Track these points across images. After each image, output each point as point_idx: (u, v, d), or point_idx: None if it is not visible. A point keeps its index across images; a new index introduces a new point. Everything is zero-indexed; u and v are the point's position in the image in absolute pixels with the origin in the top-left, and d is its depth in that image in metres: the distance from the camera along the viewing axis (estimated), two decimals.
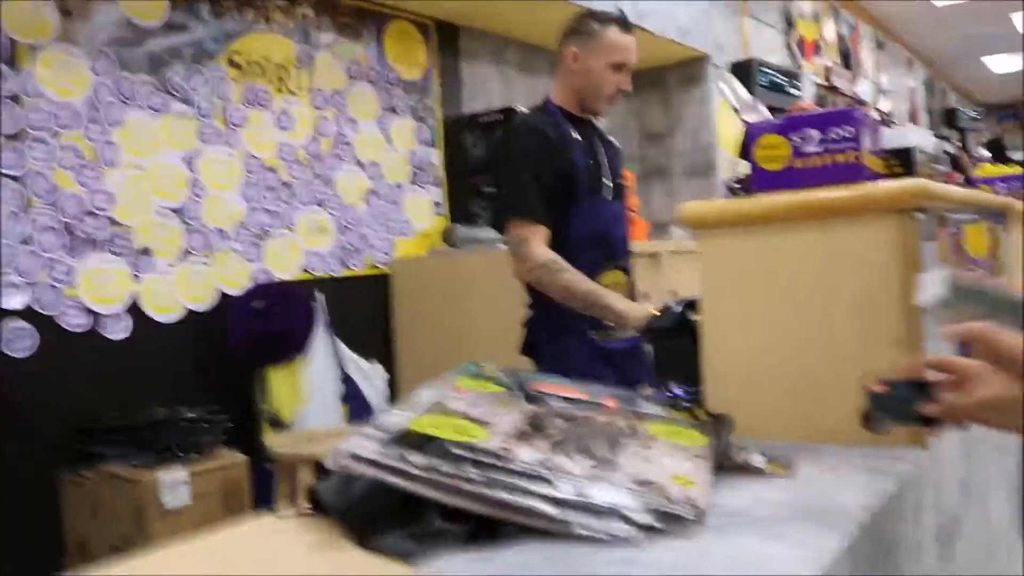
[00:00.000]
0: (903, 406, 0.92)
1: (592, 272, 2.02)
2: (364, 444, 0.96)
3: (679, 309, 1.49)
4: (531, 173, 2.02)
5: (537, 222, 2.01)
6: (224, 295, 3.33)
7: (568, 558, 0.83)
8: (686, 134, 5.47)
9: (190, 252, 3.24)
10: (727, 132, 5.30)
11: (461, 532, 0.89)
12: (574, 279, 1.95)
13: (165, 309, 3.15)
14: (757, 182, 1.22)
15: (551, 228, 2.03)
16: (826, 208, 1.16)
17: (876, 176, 1.19)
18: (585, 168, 2.10)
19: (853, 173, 1.16)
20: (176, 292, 3.19)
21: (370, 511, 0.97)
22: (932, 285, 0.88)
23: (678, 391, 1.46)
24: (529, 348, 2.17)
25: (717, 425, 1.16)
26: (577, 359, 2.02)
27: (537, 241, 2.00)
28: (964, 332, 0.81)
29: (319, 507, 1.03)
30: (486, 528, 0.89)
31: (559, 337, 2.08)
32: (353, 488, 1.01)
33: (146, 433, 2.70)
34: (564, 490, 0.90)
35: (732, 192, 1.30)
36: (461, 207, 4.21)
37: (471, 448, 0.94)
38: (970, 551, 1.53)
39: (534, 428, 1.04)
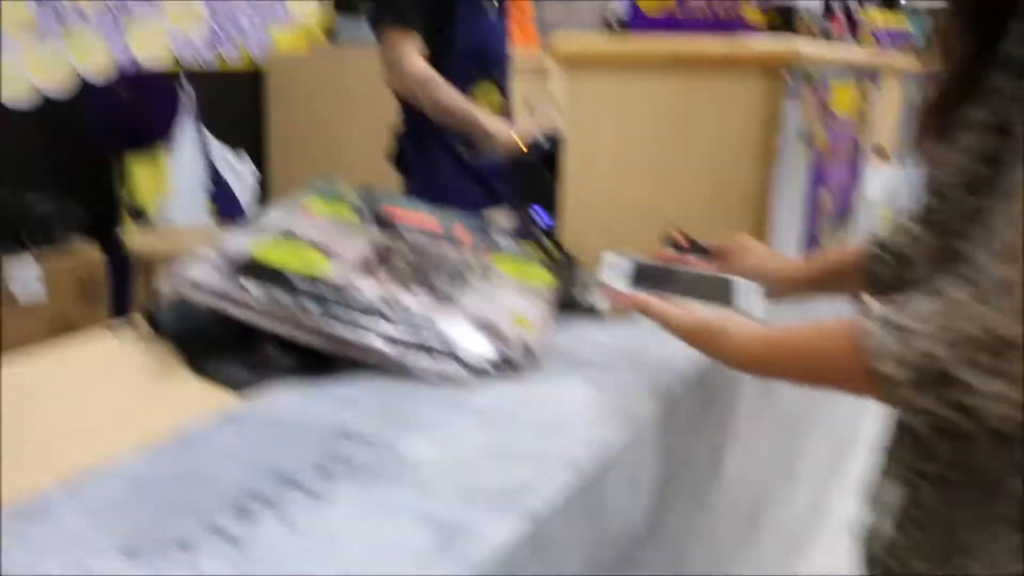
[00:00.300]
0: None
1: (465, 86, 1.96)
2: (204, 270, 0.93)
3: (546, 145, 1.48)
4: None
5: (412, 30, 1.93)
6: (80, 77, 3.08)
7: (396, 396, 0.84)
8: None
9: (41, 29, 2.96)
10: None
11: (295, 363, 0.90)
12: (448, 95, 1.90)
13: (14, 88, 2.91)
14: (633, 22, 1.19)
15: (427, 37, 1.95)
16: (697, 59, 1.14)
17: (754, 29, 1.17)
18: None
19: (732, 25, 1.14)
20: (27, 74, 2.93)
21: (207, 335, 0.96)
22: (617, 266, 0.96)
23: (536, 211, 1.47)
24: (398, 160, 2.14)
25: (565, 265, 1.18)
26: (445, 175, 2.01)
27: (411, 51, 1.92)
28: (629, 302, 0.88)
29: (156, 325, 1.01)
30: (321, 360, 0.90)
31: (427, 152, 2.05)
32: (191, 311, 0.99)
33: None
34: (401, 328, 0.90)
35: (608, 27, 1.26)
36: None
37: (312, 280, 0.93)
38: (791, 402, 1.65)
39: (380, 259, 1.03)
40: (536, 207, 1.46)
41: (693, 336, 0.83)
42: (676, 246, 1.08)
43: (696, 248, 1.07)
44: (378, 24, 1.97)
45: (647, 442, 0.88)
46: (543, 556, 0.67)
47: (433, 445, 0.75)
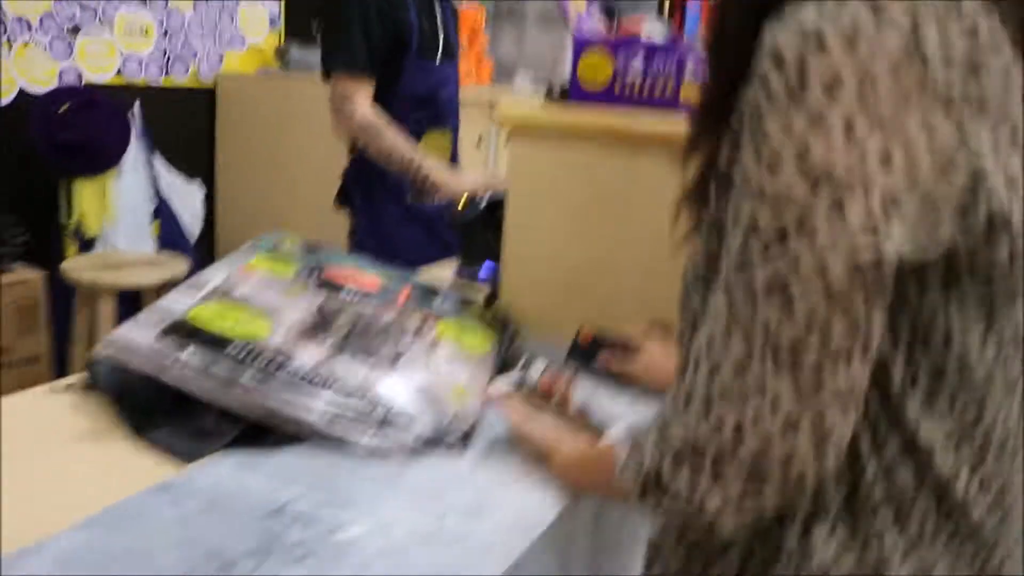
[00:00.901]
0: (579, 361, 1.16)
1: (416, 133, 2.00)
2: (139, 333, 0.94)
3: (482, 205, 1.52)
4: (361, 25, 1.93)
5: (362, 77, 1.95)
6: (24, 93, 3.05)
7: (332, 471, 0.86)
8: None
9: None
10: None
11: (233, 431, 0.91)
12: (395, 144, 1.93)
13: None
14: (575, 94, 1.22)
15: (378, 84, 1.97)
16: (635, 135, 1.18)
17: (690, 108, 1.21)
18: (418, 27, 2.02)
19: (669, 104, 1.18)
20: None
21: (147, 398, 0.97)
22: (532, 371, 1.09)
23: (487, 267, 1.50)
24: (344, 199, 2.15)
25: (504, 330, 1.21)
26: (391, 220, 2.03)
27: (360, 98, 1.94)
28: (493, 398, 1.01)
29: (97, 381, 1.01)
30: (260, 429, 0.91)
31: (374, 195, 2.07)
32: (132, 374, 1.00)
33: None
34: (337, 400, 0.92)
35: (550, 94, 1.30)
36: (299, 24, 3.97)
37: (249, 349, 0.94)
38: None
39: (322, 323, 1.05)
40: (488, 262, 1.50)
41: (528, 447, 0.92)
42: (578, 343, 1.18)
43: (602, 344, 1.16)
44: (329, 68, 1.99)
45: (577, 523, 0.90)
46: None
47: (367, 526, 0.76)
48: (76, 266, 2.47)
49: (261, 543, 0.73)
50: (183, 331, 0.94)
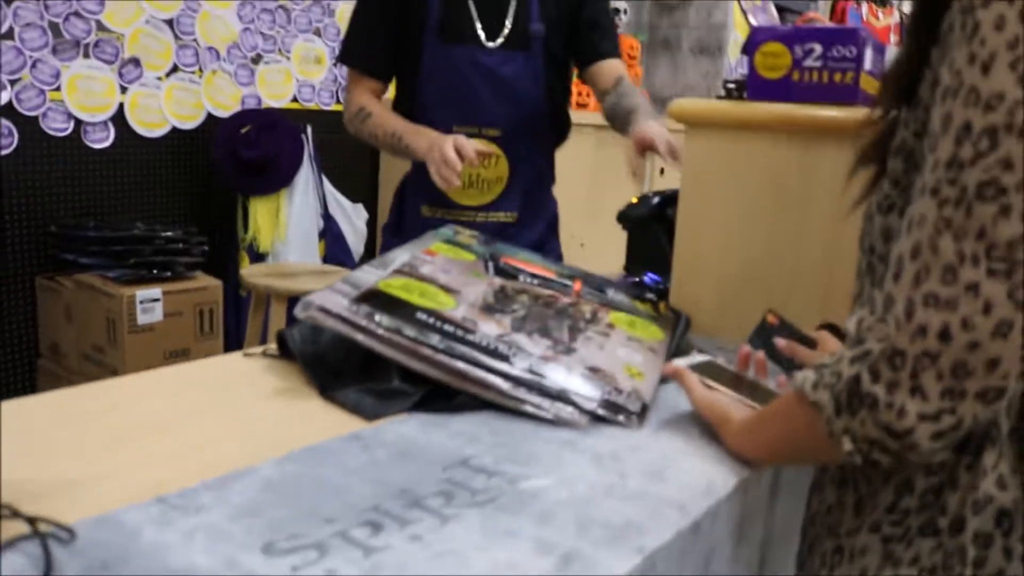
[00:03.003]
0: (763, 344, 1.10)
1: (444, 130, 1.68)
2: (334, 298, 0.99)
3: (655, 200, 1.50)
4: (366, 13, 1.75)
5: (360, 72, 1.77)
6: (211, 116, 3.28)
7: (512, 432, 0.87)
8: (699, 9, 5.31)
9: (180, 68, 3.17)
10: (742, 16, 5.16)
11: (417, 394, 0.94)
12: (379, 122, 1.71)
13: (150, 124, 3.12)
14: (752, 88, 1.22)
15: (390, 79, 1.80)
16: (812, 124, 1.16)
17: (871, 99, 1.19)
18: (439, 7, 1.70)
19: (848, 94, 1.16)
20: (163, 107, 3.14)
21: (334, 362, 1.02)
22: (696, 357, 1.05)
23: (649, 277, 1.50)
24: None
25: (676, 322, 1.21)
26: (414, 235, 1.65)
27: (358, 90, 1.77)
28: (672, 371, 0.98)
29: (286, 350, 1.07)
30: (440, 394, 0.94)
31: (401, 212, 1.90)
32: (321, 338, 1.05)
33: (123, 247, 2.72)
34: (519, 367, 0.94)
35: (727, 92, 1.30)
36: None
37: (436, 316, 0.98)
38: None
39: (499, 302, 1.08)
40: (650, 274, 1.50)
41: (707, 415, 0.91)
42: (766, 325, 1.13)
43: (786, 329, 1.12)
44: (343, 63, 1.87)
45: (753, 498, 0.89)
46: None
47: (550, 479, 0.77)
48: (252, 273, 2.63)
49: (447, 487, 0.75)
50: (374, 298, 0.99)
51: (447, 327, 0.96)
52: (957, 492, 0.68)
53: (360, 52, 1.77)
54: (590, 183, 3.36)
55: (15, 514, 0.64)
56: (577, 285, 1.22)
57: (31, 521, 0.63)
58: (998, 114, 0.59)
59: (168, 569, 0.60)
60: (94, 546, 0.62)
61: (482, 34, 1.72)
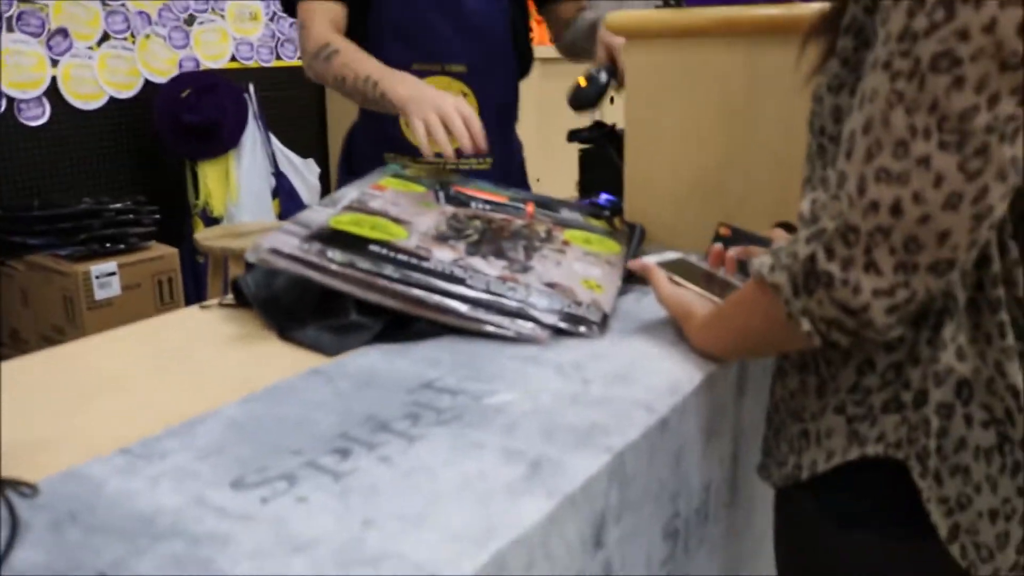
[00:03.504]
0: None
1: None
2: (284, 239, 0.97)
3: (603, 78, 1.43)
4: None
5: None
6: (149, 83, 3.20)
7: (474, 353, 0.87)
8: None
9: (110, 35, 3.08)
10: None
11: (376, 326, 0.93)
12: (348, 62, 1.43)
13: (86, 96, 3.03)
14: None
15: (349, 7, 1.54)
16: (753, 25, 1.15)
17: None
18: None
19: None
20: (97, 77, 3.06)
21: (290, 303, 1.01)
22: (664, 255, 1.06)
23: (603, 197, 1.49)
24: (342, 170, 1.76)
25: (630, 234, 1.21)
26: None
27: (316, 23, 1.49)
28: (639, 267, 0.99)
29: (242, 299, 1.06)
30: (399, 324, 0.93)
31: (351, 165, 1.69)
32: (274, 281, 1.04)
33: (72, 224, 2.67)
34: (477, 289, 0.94)
35: (664, 3, 1.28)
36: None
37: (389, 246, 0.97)
38: None
39: (452, 229, 1.07)
40: (604, 194, 1.49)
41: (672, 310, 0.93)
42: (720, 237, 1.14)
43: (741, 238, 1.12)
44: None
45: (720, 393, 0.90)
46: (624, 492, 0.70)
47: (514, 393, 0.78)
48: (206, 236, 2.59)
49: (413, 410, 0.75)
50: (325, 235, 0.97)
51: (400, 256, 0.96)
52: (919, 366, 0.69)
53: None
54: (539, 118, 3.34)
55: None
56: (530, 207, 1.21)
57: None
58: None
59: (135, 513, 0.59)
60: (61, 499, 0.61)
61: None
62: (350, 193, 1.12)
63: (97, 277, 2.59)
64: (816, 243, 0.65)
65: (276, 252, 0.94)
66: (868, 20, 0.70)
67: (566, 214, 1.23)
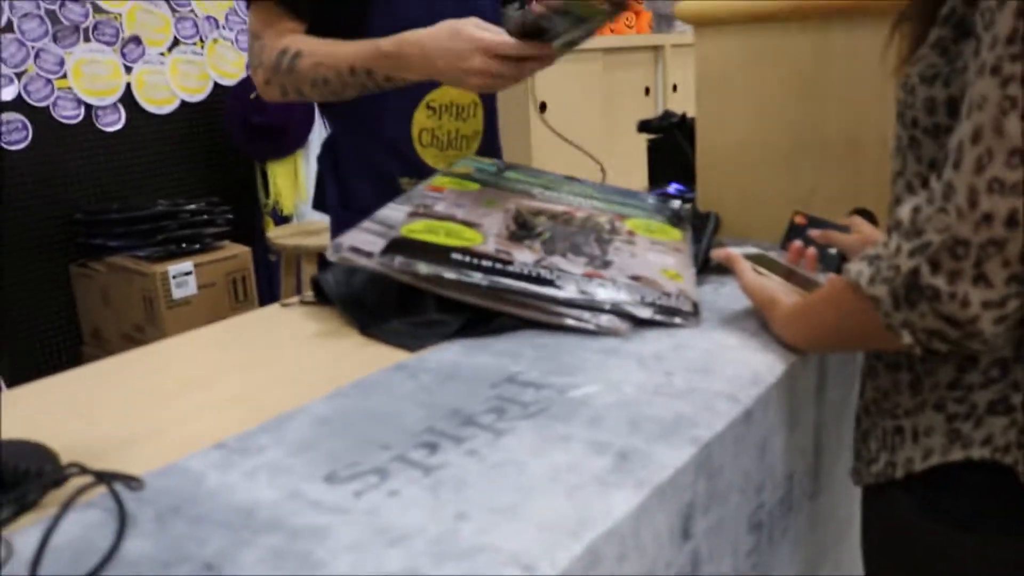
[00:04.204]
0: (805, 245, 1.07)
1: (402, 107, 1.33)
2: (364, 237, 0.99)
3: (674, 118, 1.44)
4: None
5: (278, 8, 1.26)
6: (218, 86, 3.28)
7: (555, 347, 0.88)
8: None
9: (180, 41, 3.16)
10: None
11: (456, 322, 0.94)
12: (322, 59, 1.20)
13: (159, 101, 3.12)
14: None
15: (308, 22, 1.28)
16: (822, 10, 1.14)
17: None
18: None
19: None
20: (169, 82, 3.14)
21: (371, 300, 1.02)
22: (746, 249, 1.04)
23: (674, 187, 1.48)
24: (319, 197, 1.52)
25: (704, 223, 1.20)
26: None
27: (271, 35, 1.26)
28: (723, 256, 0.99)
29: (322, 296, 1.08)
30: (479, 320, 0.94)
31: (348, 190, 1.45)
32: (354, 279, 1.06)
33: (149, 226, 2.75)
34: (569, 290, 0.93)
35: None
36: None
37: (470, 253, 0.96)
38: None
39: (522, 228, 1.07)
40: (674, 184, 1.48)
41: (756, 298, 0.92)
42: (795, 226, 1.13)
43: (816, 225, 1.11)
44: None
45: (802, 384, 0.89)
46: (711, 483, 0.69)
47: (597, 386, 0.78)
48: (279, 235, 2.65)
49: (497, 403, 0.76)
50: (404, 247, 0.95)
51: (484, 263, 0.95)
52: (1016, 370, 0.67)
53: None
54: (603, 108, 3.33)
55: (84, 471, 0.65)
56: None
57: (100, 476, 0.64)
58: None
59: (236, 506, 0.61)
60: (163, 494, 0.63)
61: None
62: (415, 196, 1.12)
63: (174, 277, 2.67)
64: (920, 257, 0.63)
65: (356, 251, 0.96)
66: (969, 12, 0.67)
67: (628, 202, 1.22)
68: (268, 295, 3.14)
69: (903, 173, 0.76)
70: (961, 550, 0.73)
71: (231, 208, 2.96)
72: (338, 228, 1.43)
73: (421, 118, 1.37)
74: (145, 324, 2.72)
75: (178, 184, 3.18)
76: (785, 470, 0.87)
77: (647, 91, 3.47)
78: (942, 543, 0.75)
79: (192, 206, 2.83)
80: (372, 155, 1.40)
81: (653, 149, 1.57)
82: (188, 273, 2.70)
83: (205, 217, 2.83)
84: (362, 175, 1.42)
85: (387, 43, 1.15)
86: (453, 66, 1.08)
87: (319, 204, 1.51)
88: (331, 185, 1.46)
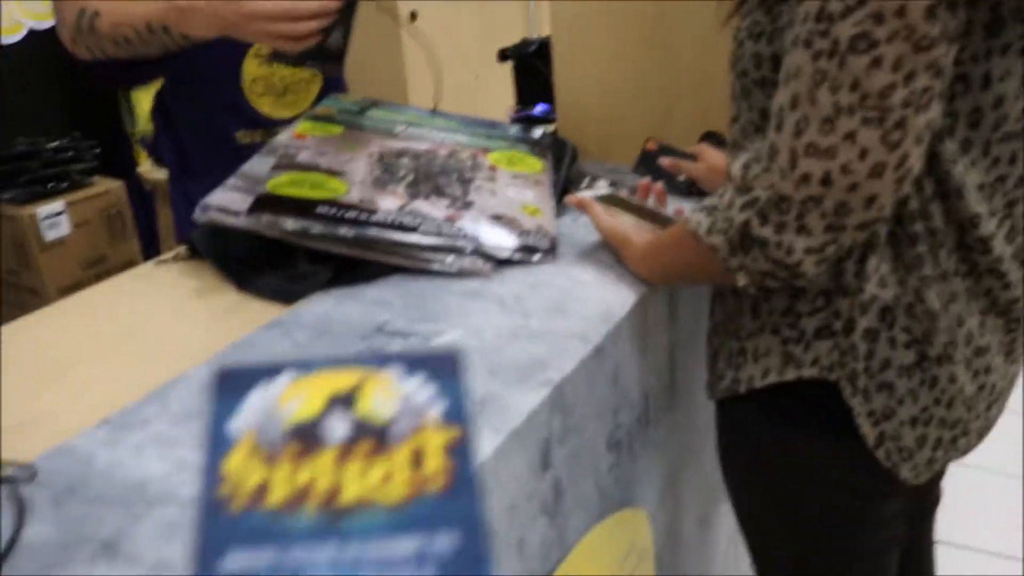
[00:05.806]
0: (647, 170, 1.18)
1: (227, 46, 1.15)
2: (232, 196, 1.01)
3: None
4: None
5: None
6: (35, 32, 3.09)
7: (421, 292, 0.93)
8: None
9: None
10: None
11: (326, 272, 0.98)
12: (118, 20, 1.14)
13: (4, 30, 2.94)
14: None
15: None
16: None
17: None
18: None
19: None
20: (12, 9, 2.95)
21: (243, 254, 1.05)
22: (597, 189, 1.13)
23: (540, 108, 1.53)
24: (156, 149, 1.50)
25: (562, 152, 1.25)
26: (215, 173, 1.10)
27: None
28: (576, 201, 1.04)
29: (196, 252, 1.10)
30: (349, 267, 0.98)
31: (183, 150, 1.40)
32: (225, 235, 1.08)
33: (10, 166, 2.64)
34: (430, 234, 0.98)
35: None
36: None
37: (336, 204, 0.99)
38: None
39: (386, 172, 1.10)
40: (541, 104, 1.52)
41: (610, 240, 0.98)
42: (647, 152, 1.20)
43: (666, 151, 1.19)
44: None
45: (654, 314, 0.97)
46: (566, 418, 0.77)
47: (460, 331, 0.84)
48: (150, 169, 2.58)
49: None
50: (270, 203, 0.98)
51: (350, 214, 0.98)
52: (847, 297, 0.77)
53: None
54: (480, 16, 3.30)
55: None
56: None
57: None
58: None
59: (127, 482, 0.66)
60: (56, 475, 0.67)
61: None
62: (279, 144, 1.13)
63: (44, 218, 2.58)
64: (750, 211, 0.71)
65: (224, 210, 0.98)
66: None
67: (488, 133, 1.26)
68: (146, 229, 3.06)
69: (738, 119, 0.83)
70: (796, 451, 0.85)
71: (98, 142, 2.85)
72: (179, 197, 1.41)
73: (251, 67, 1.33)
74: (19, 268, 2.64)
75: (37, 121, 3.03)
76: (640, 391, 0.96)
77: None
78: (781, 445, 0.86)
79: (55, 143, 2.72)
80: (205, 108, 1.36)
81: (518, 72, 1.61)
82: (59, 213, 2.61)
83: (71, 154, 2.72)
84: (197, 131, 1.37)
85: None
86: (235, 12, 1.02)
87: (158, 158, 1.37)
88: (167, 145, 1.42)
